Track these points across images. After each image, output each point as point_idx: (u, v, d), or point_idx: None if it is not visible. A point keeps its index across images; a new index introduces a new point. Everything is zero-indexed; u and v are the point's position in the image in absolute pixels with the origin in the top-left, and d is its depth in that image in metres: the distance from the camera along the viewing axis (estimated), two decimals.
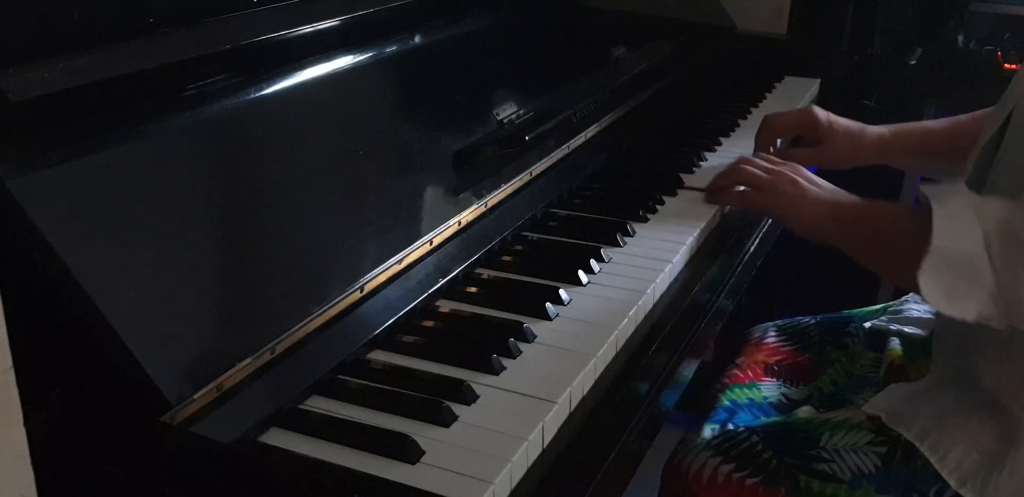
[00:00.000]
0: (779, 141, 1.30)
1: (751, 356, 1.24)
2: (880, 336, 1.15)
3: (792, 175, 1.05)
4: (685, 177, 1.23)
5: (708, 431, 1.05)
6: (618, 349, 0.86)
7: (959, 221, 0.81)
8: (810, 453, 0.97)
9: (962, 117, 1.22)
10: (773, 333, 1.28)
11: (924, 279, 0.81)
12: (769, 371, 1.20)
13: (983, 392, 0.92)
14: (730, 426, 1.05)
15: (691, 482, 1.00)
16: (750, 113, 1.53)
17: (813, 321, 1.27)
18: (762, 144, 1.29)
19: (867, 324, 1.18)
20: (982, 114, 1.17)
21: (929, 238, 0.81)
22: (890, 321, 1.16)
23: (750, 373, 1.20)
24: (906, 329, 1.13)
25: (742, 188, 1.11)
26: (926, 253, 0.81)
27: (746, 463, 0.98)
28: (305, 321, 0.75)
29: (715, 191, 1.15)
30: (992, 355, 0.91)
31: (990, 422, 0.89)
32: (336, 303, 0.79)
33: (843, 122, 1.25)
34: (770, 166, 1.08)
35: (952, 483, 0.88)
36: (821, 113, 1.25)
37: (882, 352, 1.11)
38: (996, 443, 0.88)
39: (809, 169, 1.11)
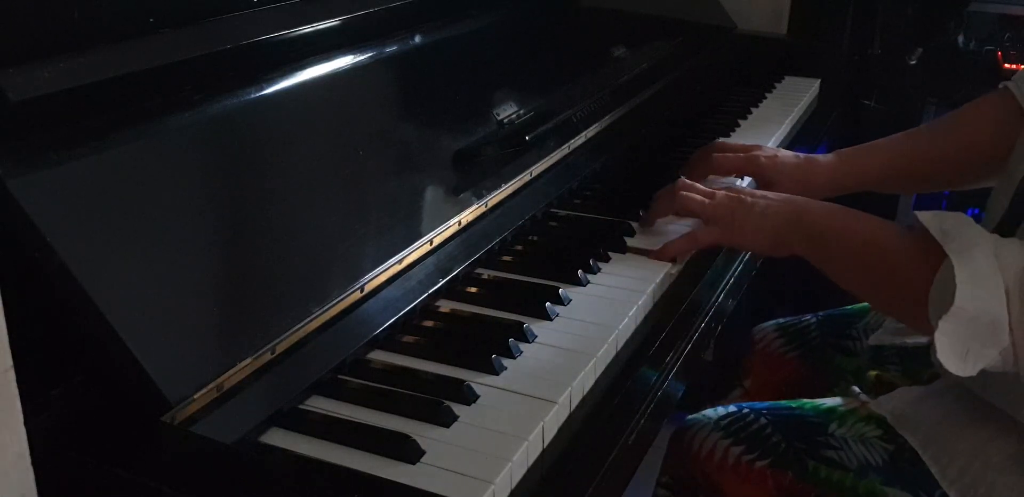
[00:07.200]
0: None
1: (757, 373, 1.23)
2: (881, 352, 1.14)
3: (731, 195, 0.99)
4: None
5: (716, 410, 1.04)
6: (618, 349, 0.86)
7: (984, 285, 0.75)
8: (818, 439, 0.96)
9: (919, 129, 1.17)
10: (775, 335, 1.26)
11: (940, 340, 0.76)
12: (777, 395, 1.17)
13: (991, 404, 0.89)
14: (738, 407, 1.04)
15: (702, 462, 1.00)
16: (750, 113, 1.53)
17: (814, 320, 1.25)
18: (696, 175, 1.17)
19: (869, 340, 1.16)
20: (937, 122, 1.15)
21: (950, 297, 0.75)
22: (892, 333, 1.13)
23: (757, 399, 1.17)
24: (908, 341, 1.11)
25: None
26: (945, 313, 0.75)
27: (755, 445, 0.98)
28: (305, 321, 0.75)
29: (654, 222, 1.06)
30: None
31: (999, 435, 0.87)
32: (336, 303, 0.79)
33: (790, 160, 1.16)
34: (706, 190, 1.02)
35: (952, 495, 0.87)
36: (765, 155, 1.16)
37: (883, 367, 1.11)
38: (1002, 457, 0.86)
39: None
